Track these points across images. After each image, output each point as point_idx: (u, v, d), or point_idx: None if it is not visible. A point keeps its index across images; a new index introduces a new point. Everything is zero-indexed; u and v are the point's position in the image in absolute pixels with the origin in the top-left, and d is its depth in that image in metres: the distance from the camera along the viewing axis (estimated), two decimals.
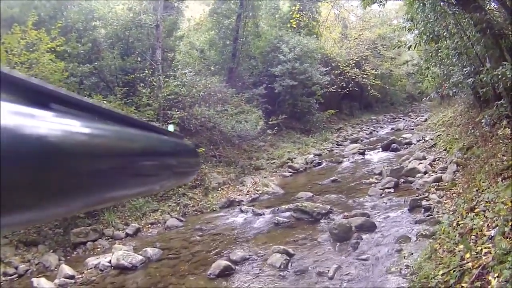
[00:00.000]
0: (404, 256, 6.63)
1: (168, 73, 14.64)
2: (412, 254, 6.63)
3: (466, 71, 9.64)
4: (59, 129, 0.42)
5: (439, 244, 6.08)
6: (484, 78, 7.23)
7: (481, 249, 4.95)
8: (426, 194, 9.55)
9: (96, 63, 13.58)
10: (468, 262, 4.82)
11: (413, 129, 22.10)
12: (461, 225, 6.11)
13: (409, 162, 12.83)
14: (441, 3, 9.02)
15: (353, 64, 26.52)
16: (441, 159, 12.48)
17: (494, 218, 5.43)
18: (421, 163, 12.36)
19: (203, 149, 13.36)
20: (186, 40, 20.07)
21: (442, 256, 5.57)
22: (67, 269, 7.56)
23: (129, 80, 13.95)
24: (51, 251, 8.47)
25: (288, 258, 7.29)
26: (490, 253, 4.71)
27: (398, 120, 28.13)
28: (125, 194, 0.66)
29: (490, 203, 6.13)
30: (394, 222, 8.52)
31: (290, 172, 15.24)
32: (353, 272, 6.60)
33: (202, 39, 21.97)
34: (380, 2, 10.56)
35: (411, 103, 34.55)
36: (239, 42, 20.32)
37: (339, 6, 27.98)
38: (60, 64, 10.97)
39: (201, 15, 23.14)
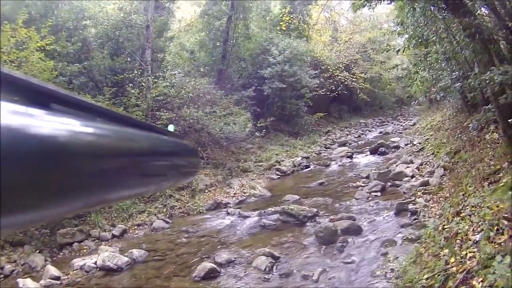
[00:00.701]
0: (389, 260, 6.63)
1: (157, 73, 14.55)
2: (397, 257, 6.62)
3: (455, 76, 9.68)
4: (59, 129, 0.42)
5: (425, 248, 6.08)
6: (472, 83, 7.23)
7: (466, 253, 4.94)
8: (413, 198, 9.54)
9: (85, 63, 13.47)
10: (452, 267, 4.81)
11: (401, 132, 22.25)
12: (446, 229, 6.11)
13: (397, 165, 12.84)
14: (431, 7, 9.04)
15: (343, 68, 26.63)
16: (428, 163, 12.52)
17: (480, 223, 5.43)
18: (408, 167, 12.38)
19: None
20: (176, 41, 20.00)
21: (427, 260, 5.56)
22: (53, 270, 7.50)
23: (118, 80, 13.85)
24: (37, 251, 8.38)
25: (273, 261, 7.26)
26: (475, 257, 4.70)
27: (386, 124, 28.30)
28: (125, 194, 0.66)
29: (476, 207, 6.14)
30: (380, 225, 8.53)
31: (278, 175, 15.22)
32: (338, 275, 6.58)
33: (192, 40, 21.92)
34: (370, 5, 10.55)
35: (400, 107, 34.83)
36: (229, 43, 20.30)
37: (330, 9, 27.99)
38: (49, 63, 10.84)
39: (192, 16, 23.05)
